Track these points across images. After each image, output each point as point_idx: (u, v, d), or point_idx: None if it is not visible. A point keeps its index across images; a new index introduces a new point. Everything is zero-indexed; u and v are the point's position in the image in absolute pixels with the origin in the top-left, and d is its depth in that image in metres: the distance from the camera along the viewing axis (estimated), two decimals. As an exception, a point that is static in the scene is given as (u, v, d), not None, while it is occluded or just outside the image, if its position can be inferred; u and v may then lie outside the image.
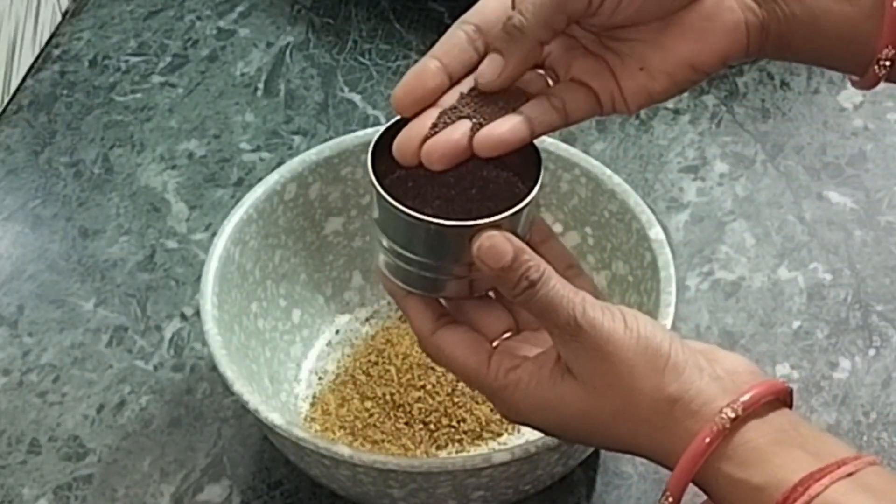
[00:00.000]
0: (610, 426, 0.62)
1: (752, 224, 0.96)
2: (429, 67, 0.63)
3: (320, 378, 0.87)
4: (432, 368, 0.85)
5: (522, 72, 0.63)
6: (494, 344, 0.65)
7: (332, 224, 0.89)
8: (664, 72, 0.65)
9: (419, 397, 0.84)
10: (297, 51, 1.11)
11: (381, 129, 0.65)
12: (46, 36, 1.14)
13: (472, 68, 0.64)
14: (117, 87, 1.09)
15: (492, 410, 0.83)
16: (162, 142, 1.05)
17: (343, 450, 0.72)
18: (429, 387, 0.85)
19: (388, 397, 0.84)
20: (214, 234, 0.83)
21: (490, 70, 0.63)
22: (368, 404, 0.84)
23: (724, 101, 1.05)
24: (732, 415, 0.58)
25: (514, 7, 0.64)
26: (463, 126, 0.62)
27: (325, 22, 1.14)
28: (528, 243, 0.62)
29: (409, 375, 0.85)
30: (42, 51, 1.13)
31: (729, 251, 0.95)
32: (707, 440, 0.58)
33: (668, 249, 0.80)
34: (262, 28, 1.14)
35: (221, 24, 1.14)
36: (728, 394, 0.59)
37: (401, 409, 0.84)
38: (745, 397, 0.59)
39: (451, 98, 0.63)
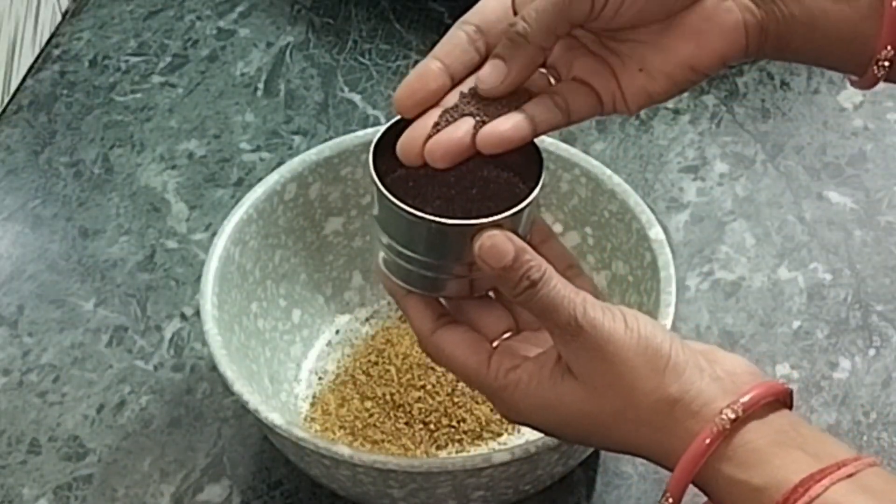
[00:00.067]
0: (610, 426, 0.62)
1: (752, 224, 0.96)
2: (430, 68, 0.63)
3: (320, 378, 0.87)
4: (432, 368, 0.85)
5: (525, 78, 0.63)
6: (494, 344, 0.65)
7: (332, 224, 0.89)
8: (664, 73, 0.65)
9: (419, 397, 0.84)
10: (297, 51, 1.11)
11: (382, 128, 0.65)
12: (46, 36, 1.14)
13: (474, 69, 0.64)
14: (117, 87, 1.09)
15: (492, 410, 0.83)
16: (162, 142, 1.05)
17: (343, 450, 0.72)
18: (429, 387, 0.85)
19: (388, 397, 0.84)
20: (214, 234, 0.83)
21: (493, 77, 0.63)
22: (368, 404, 0.84)
23: (724, 101, 1.05)
24: (732, 416, 0.58)
25: (514, 7, 0.64)
26: (466, 124, 0.62)
27: (325, 22, 1.14)
28: (528, 243, 0.62)
29: (409, 375, 0.85)
30: (42, 51, 1.13)
31: (729, 251, 0.95)
32: (707, 441, 0.58)
33: (668, 249, 0.80)
34: (262, 28, 1.14)
35: (221, 24, 1.14)
36: (728, 394, 0.59)
37: (401, 409, 0.84)
38: (746, 398, 0.59)
39: (452, 99, 0.64)
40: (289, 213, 0.86)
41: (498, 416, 0.83)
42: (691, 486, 0.60)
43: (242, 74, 1.10)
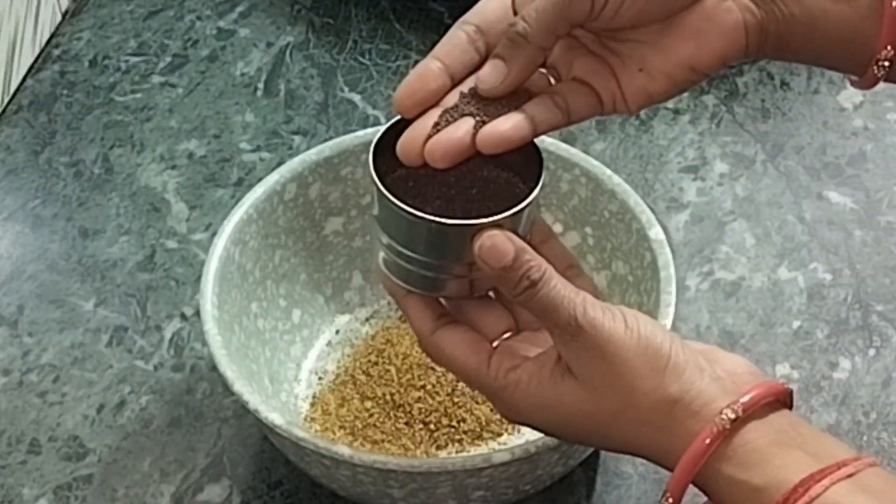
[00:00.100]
0: (610, 426, 0.62)
1: (752, 224, 0.96)
2: (431, 69, 0.63)
3: (320, 378, 0.87)
4: (432, 368, 0.85)
5: (525, 78, 0.63)
6: (494, 344, 0.65)
7: (332, 224, 0.89)
8: (664, 73, 0.65)
9: (419, 397, 0.84)
10: (297, 51, 1.11)
11: (382, 128, 0.65)
12: (46, 36, 1.14)
13: (474, 69, 0.64)
14: (117, 87, 1.09)
15: (492, 410, 0.83)
16: (162, 142, 1.05)
17: (343, 450, 0.72)
18: (429, 387, 0.85)
19: (388, 397, 0.84)
20: (214, 234, 0.83)
21: (493, 77, 0.63)
22: (368, 404, 0.84)
23: (724, 101, 1.05)
24: (733, 416, 0.58)
25: (514, 7, 0.64)
26: (466, 124, 0.62)
27: (325, 22, 1.14)
28: (528, 243, 0.62)
29: (409, 375, 0.85)
30: (42, 51, 1.13)
31: (729, 251, 0.95)
32: (707, 441, 0.58)
33: (668, 249, 0.80)
34: (262, 28, 1.14)
35: (221, 24, 1.14)
36: (728, 394, 0.59)
37: (401, 409, 0.84)
38: (746, 398, 0.59)
39: (452, 99, 0.64)
40: (289, 213, 0.86)
41: (498, 416, 0.83)
42: (691, 486, 0.60)
43: (242, 74, 1.10)
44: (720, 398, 0.59)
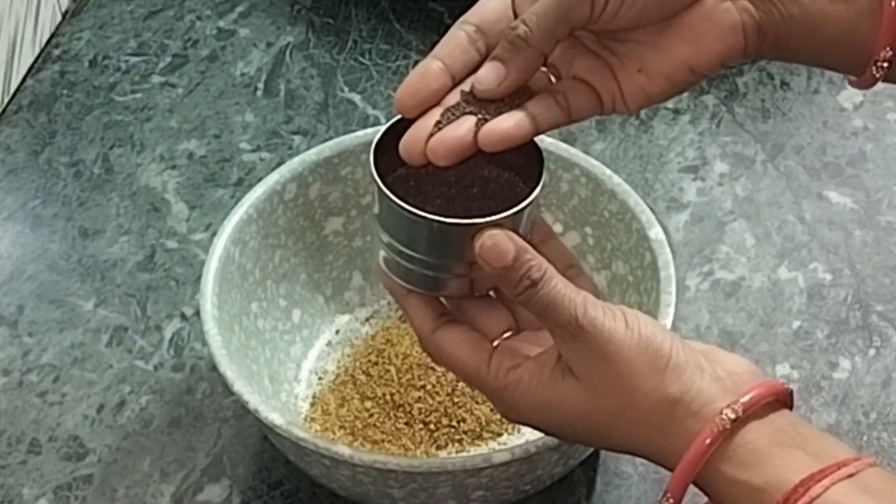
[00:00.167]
0: (610, 426, 0.62)
1: (752, 224, 0.96)
2: (431, 68, 0.63)
3: (320, 378, 0.87)
4: (432, 368, 0.85)
5: (523, 81, 0.63)
6: (495, 343, 0.65)
7: (332, 224, 0.89)
8: (662, 73, 0.65)
9: (419, 397, 0.84)
10: (297, 51, 1.11)
11: (383, 128, 0.65)
12: (46, 36, 1.14)
13: (475, 68, 0.64)
14: (117, 87, 1.09)
15: (492, 410, 0.83)
16: (162, 142, 1.05)
17: (343, 450, 0.72)
18: (429, 387, 0.85)
19: (388, 397, 0.84)
20: (214, 234, 0.83)
21: (490, 78, 0.63)
22: (368, 404, 0.84)
23: (724, 101, 1.05)
24: (733, 416, 0.58)
25: (513, 7, 0.64)
26: (467, 122, 0.62)
27: (325, 22, 1.14)
28: (528, 243, 0.62)
29: (409, 375, 0.85)
30: (42, 51, 1.13)
31: (729, 251, 0.95)
32: (707, 441, 0.58)
33: (668, 249, 0.80)
34: (262, 28, 1.14)
35: (221, 24, 1.14)
36: (729, 394, 0.59)
37: (401, 409, 0.84)
38: (746, 398, 0.59)
39: (453, 98, 0.64)
40: (289, 213, 0.86)
41: (498, 416, 0.83)
42: (692, 486, 0.60)
43: (242, 74, 1.10)
44: (720, 398, 0.59)
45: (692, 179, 1.00)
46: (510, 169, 0.66)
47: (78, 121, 1.07)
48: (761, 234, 0.96)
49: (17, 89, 1.09)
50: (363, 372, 0.86)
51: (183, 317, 0.92)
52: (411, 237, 0.64)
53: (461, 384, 0.84)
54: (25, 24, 1.09)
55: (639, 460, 0.82)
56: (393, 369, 0.85)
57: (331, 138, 0.89)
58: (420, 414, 0.84)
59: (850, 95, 1.05)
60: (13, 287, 0.95)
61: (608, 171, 0.85)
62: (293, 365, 0.87)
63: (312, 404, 0.86)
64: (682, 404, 0.59)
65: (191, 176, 1.02)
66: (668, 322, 0.76)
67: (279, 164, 0.94)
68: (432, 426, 0.83)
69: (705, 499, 0.60)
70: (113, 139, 1.05)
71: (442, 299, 0.67)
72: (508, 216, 0.62)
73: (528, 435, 0.80)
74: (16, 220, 1.00)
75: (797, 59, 0.68)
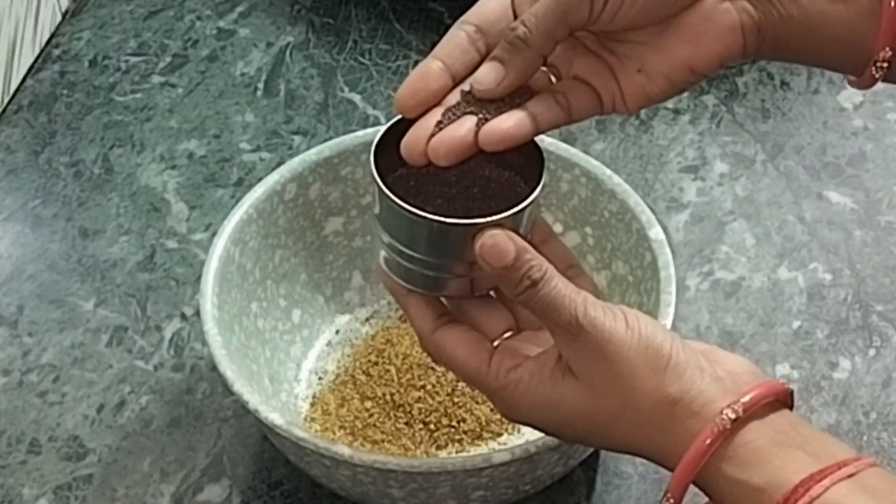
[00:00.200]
0: (610, 426, 0.62)
1: (752, 224, 0.97)
2: (432, 69, 0.63)
3: (320, 378, 0.87)
4: (432, 368, 0.85)
5: (522, 81, 0.63)
6: (495, 343, 0.65)
7: (332, 224, 0.89)
8: (662, 73, 0.65)
9: (419, 397, 0.84)
10: (297, 51, 1.11)
11: (383, 128, 0.65)
12: (46, 36, 1.14)
13: (475, 68, 0.64)
14: (117, 87, 1.09)
15: (492, 410, 0.83)
16: (162, 142, 1.05)
17: (343, 450, 0.72)
18: (429, 387, 0.85)
19: (388, 397, 0.84)
20: (214, 234, 0.83)
21: (489, 79, 0.63)
22: (368, 404, 0.84)
23: (724, 101, 1.05)
24: (733, 416, 0.58)
25: (513, 7, 0.64)
26: (468, 122, 0.62)
27: (325, 22, 1.14)
28: (529, 242, 0.62)
29: (409, 375, 0.85)
30: (42, 51, 1.13)
31: (729, 251, 0.95)
32: (708, 441, 0.58)
33: (668, 249, 0.80)
34: (262, 28, 1.14)
35: (221, 24, 1.14)
36: (729, 394, 0.59)
37: (401, 409, 0.84)
38: (746, 398, 0.59)
39: (454, 98, 0.64)
40: (289, 213, 0.86)
41: (498, 416, 0.83)
42: (692, 486, 0.60)
43: (242, 74, 1.10)
44: (721, 398, 0.59)
45: (692, 179, 1.00)
46: (511, 169, 0.66)
47: (78, 121, 1.07)
48: (761, 234, 0.96)
49: (17, 89, 1.09)
50: (363, 372, 0.86)
51: (183, 317, 0.92)
52: (411, 237, 0.64)
53: (461, 384, 0.84)
54: (25, 24, 1.09)
55: (639, 460, 0.82)
56: (393, 369, 0.85)
57: (331, 138, 0.89)
58: (420, 414, 0.84)
59: (850, 95, 1.05)
60: (13, 287, 0.95)
61: (608, 171, 0.85)
62: (293, 365, 0.87)
63: (312, 404, 0.86)
64: (683, 404, 0.59)
65: (191, 176, 1.02)
66: (668, 322, 0.76)
67: (279, 164, 0.94)
68: (432, 426, 0.83)
69: (705, 499, 0.60)
70: (113, 139, 1.05)
71: (442, 299, 0.67)
72: (509, 216, 0.62)
73: (528, 435, 0.80)
74: (16, 220, 1.00)
75: (796, 60, 0.68)
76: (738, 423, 0.58)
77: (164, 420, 0.87)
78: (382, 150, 0.64)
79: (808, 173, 1.00)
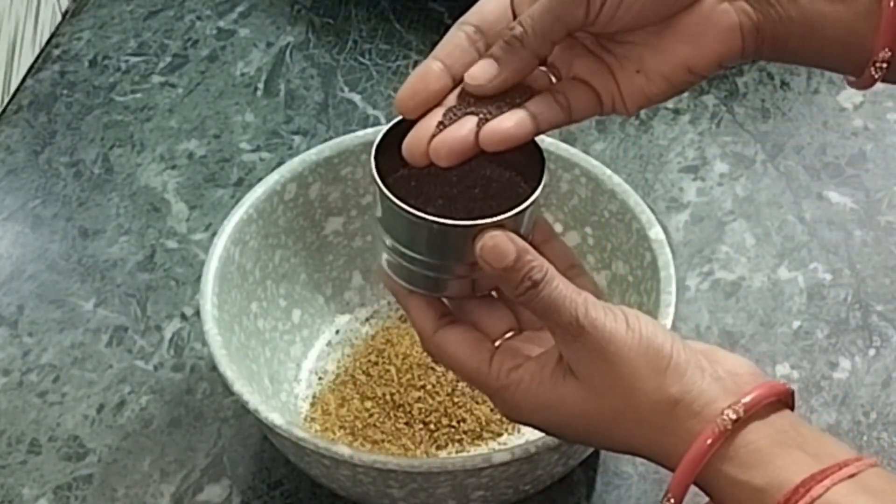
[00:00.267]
0: (611, 427, 0.62)
1: (752, 224, 0.97)
2: (432, 69, 0.63)
3: (320, 378, 0.87)
4: (432, 368, 0.85)
5: (516, 80, 0.63)
6: (496, 343, 0.65)
7: (332, 224, 0.89)
8: (661, 74, 0.65)
9: (419, 397, 0.84)
10: (297, 51, 1.11)
11: (384, 128, 0.65)
12: (46, 36, 1.13)
13: (475, 68, 0.64)
14: (117, 87, 1.09)
15: (492, 410, 0.83)
16: (162, 142, 1.05)
17: (343, 450, 0.72)
18: (429, 387, 0.85)
19: (388, 397, 0.84)
20: (214, 234, 0.83)
21: (483, 74, 0.63)
22: (368, 404, 0.84)
23: (724, 101, 1.05)
24: (734, 416, 0.58)
25: (512, 7, 0.64)
26: (469, 122, 0.62)
27: (325, 22, 1.14)
28: (530, 243, 0.62)
29: (409, 375, 0.85)
30: (42, 51, 1.13)
31: (729, 251, 0.95)
32: (708, 441, 0.58)
33: (668, 249, 0.80)
34: (262, 28, 1.14)
35: (221, 24, 1.14)
36: (730, 395, 0.59)
37: (401, 409, 0.84)
38: (747, 398, 0.59)
39: (454, 99, 0.64)
40: (289, 213, 0.86)
41: (498, 416, 0.83)
42: (693, 486, 0.60)
43: (242, 74, 1.10)
44: (721, 398, 0.59)
45: (692, 179, 1.00)
46: (512, 169, 0.66)
47: (78, 121, 1.07)
48: (761, 234, 0.96)
49: (17, 89, 1.09)
50: (363, 372, 0.86)
51: (183, 317, 0.92)
52: (412, 238, 0.64)
53: (461, 384, 0.84)
54: (25, 24, 1.09)
55: (639, 460, 0.82)
56: (393, 369, 0.85)
57: (331, 138, 0.89)
58: (420, 414, 0.84)
59: (850, 95, 1.05)
60: (13, 287, 0.95)
61: (608, 171, 0.85)
62: (293, 365, 0.87)
63: (312, 404, 0.86)
64: (683, 405, 0.59)
65: (191, 176, 1.02)
66: (669, 322, 0.76)
67: (279, 164, 0.94)
68: (432, 426, 0.83)
69: (706, 499, 0.60)
70: (113, 139, 1.05)
71: (443, 300, 0.67)
72: (509, 217, 0.62)
73: (528, 435, 0.80)
74: (16, 220, 1.00)
75: (795, 60, 0.68)
76: (739, 423, 0.59)
77: (164, 420, 0.87)
78: (383, 151, 0.64)
79: (808, 173, 1.00)
